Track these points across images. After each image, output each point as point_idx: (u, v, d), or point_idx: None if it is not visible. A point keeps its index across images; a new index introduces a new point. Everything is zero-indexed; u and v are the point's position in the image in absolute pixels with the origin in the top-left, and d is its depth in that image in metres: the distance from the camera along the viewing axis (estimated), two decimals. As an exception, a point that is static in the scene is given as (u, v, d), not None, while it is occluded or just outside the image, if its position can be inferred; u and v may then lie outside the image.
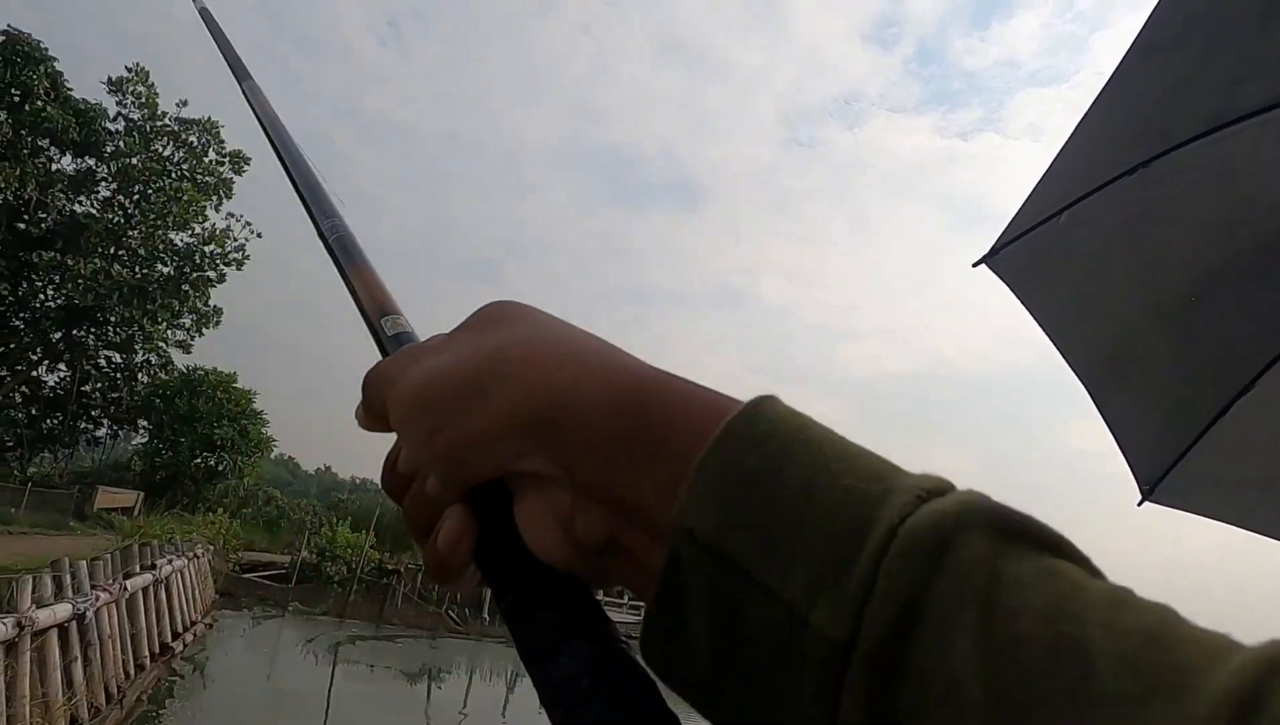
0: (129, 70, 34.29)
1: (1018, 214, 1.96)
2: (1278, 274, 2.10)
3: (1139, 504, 2.59)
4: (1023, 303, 2.10)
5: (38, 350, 33.83)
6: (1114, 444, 2.59)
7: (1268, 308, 2.17)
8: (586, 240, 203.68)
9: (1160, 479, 2.52)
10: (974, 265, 2.02)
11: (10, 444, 33.96)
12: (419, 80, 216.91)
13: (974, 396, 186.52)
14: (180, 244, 35.85)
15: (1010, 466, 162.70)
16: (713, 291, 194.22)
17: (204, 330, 36.51)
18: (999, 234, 2.01)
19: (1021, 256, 2.02)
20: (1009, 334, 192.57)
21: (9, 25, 30.78)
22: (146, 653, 11.90)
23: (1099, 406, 2.37)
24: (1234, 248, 2.08)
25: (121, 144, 33.83)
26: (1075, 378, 2.46)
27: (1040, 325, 2.16)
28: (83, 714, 8.52)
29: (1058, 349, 2.20)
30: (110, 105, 34.28)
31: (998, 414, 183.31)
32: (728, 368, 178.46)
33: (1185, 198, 2.04)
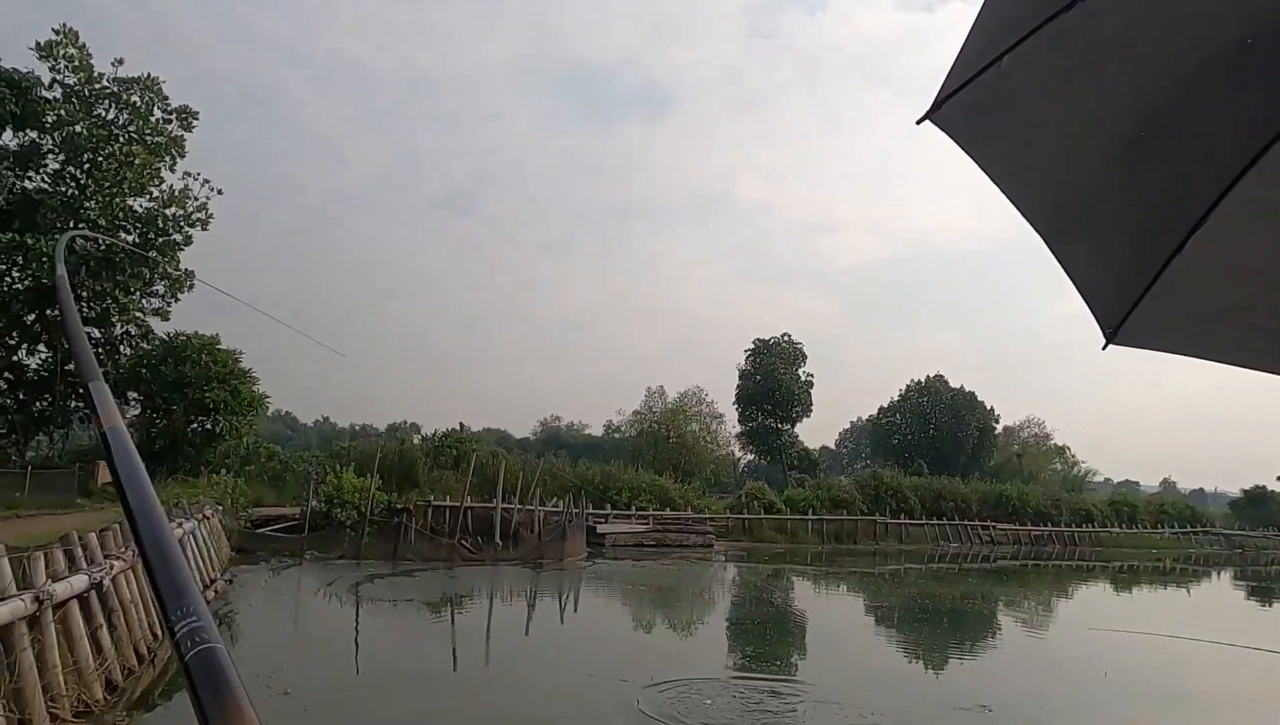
0: (56, 32, 32.78)
1: (956, 62, 1.91)
2: (1222, 102, 2.08)
3: (1103, 348, 2.62)
4: (971, 157, 2.07)
5: (13, 334, 33.40)
6: (1085, 306, 2.60)
7: (1216, 138, 2.15)
8: (559, 162, 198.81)
9: (1123, 321, 2.55)
10: (917, 122, 1.98)
11: (4, 431, 33.90)
12: (370, 14, 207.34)
13: (957, 275, 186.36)
14: (140, 210, 35.04)
15: (998, 340, 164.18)
16: (691, 201, 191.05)
17: (179, 295, 36.06)
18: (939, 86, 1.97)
19: (965, 108, 1.98)
20: (988, 208, 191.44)
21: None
22: (171, 613, 12.18)
23: (1057, 255, 2.37)
24: (1177, 79, 2.05)
25: (62, 112, 32.58)
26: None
27: (991, 178, 2.13)
28: (116, 677, 8.78)
29: (1010, 201, 2.18)
30: (43, 72, 32.93)
31: (982, 290, 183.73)
32: (714, 275, 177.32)
33: (1126, 30, 1.99)
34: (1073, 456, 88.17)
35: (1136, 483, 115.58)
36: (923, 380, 79.66)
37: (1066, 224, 2.27)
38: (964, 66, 1.96)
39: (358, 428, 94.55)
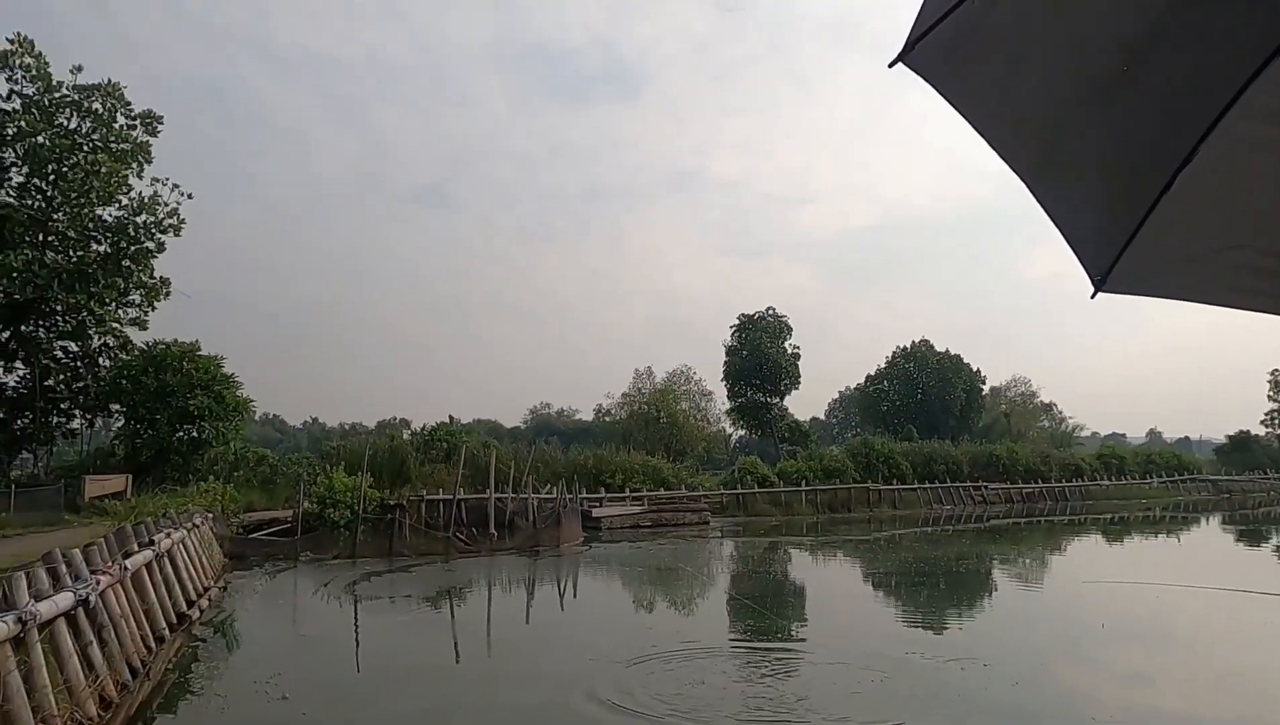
0: (11, 41, 32.05)
1: (927, 1, 1.80)
2: (1206, 34, 1.97)
3: (1092, 296, 2.53)
4: (946, 99, 1.96)
5: (-11, 352, 32.87)
6: (1066, 262, 2.51)
7: (1201, 71, 2.05)
8: (531, 146, 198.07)
9: (1111, 267, 2.46)
10: (890, 65, 1.87)
11: (-14, 451, 33.41)
12: (329, 2, 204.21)
13: (936, 239, 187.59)
14: (110, 219, 34.49)
15: (980, 303, 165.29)
16: (665, 178, 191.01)
17: (155, 303, 35.57)
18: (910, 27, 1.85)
19: (939, 47, 1.87)
20: (963, 170, 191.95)
21: None
22: (164, 624, 12.05)
23: (1041, 201, 2.28)
24: (1160, 9, 1.95)
25: (23, 124, 31.93)
26: (1024, 193, 2.35)
27: (969, 121, 2.03)
28: (110, 693, 8.65)
29: (990, 144, 2.08)
30: (0, 83, 32.22)
31: (962, 253, 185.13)
32: (692, 252, 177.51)
33: (1105, -46, 1.89)
34: (1060, 413, 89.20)
35: (1123, 435, 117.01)
36: (908, 346, 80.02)
37: (1050, 166, 2.18)
38: (935, 4, 1.85)
39: (347, 426, 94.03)
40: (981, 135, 2.03)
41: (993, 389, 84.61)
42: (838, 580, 23.27)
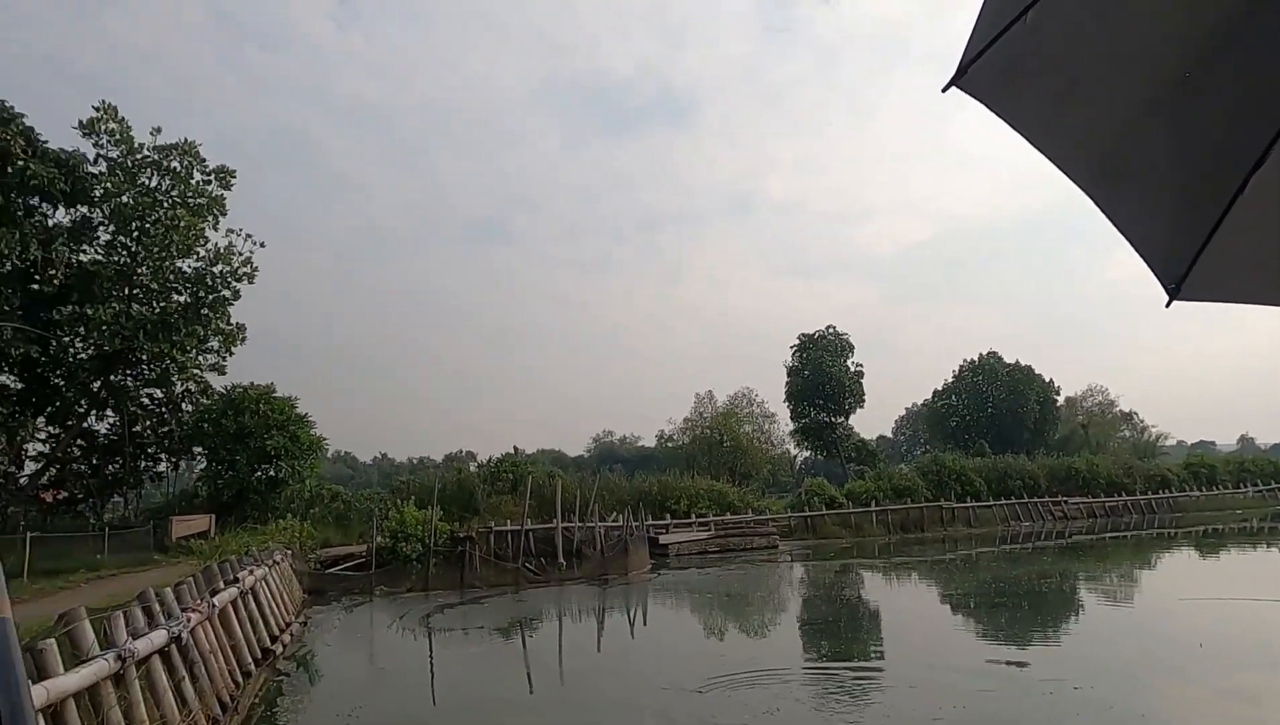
0: (97, 109, 34.06)
1: (978, 23, 1.81)
2: (1269, 32, 1.94)
3: (1167, 305, 2.48)
4: (1004, 119, 1.97)
5: (82, 402, 34.65)
6: (1138, 266, 2.46)
7: (1266, 70, 2.01)
8: (585, 179, 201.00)
9: (1186, 274, 2.41)
10: (943, 90, 1.89)
11: (81, 496, 35.15)
12: (385, 54, 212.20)
13: (999, 249, 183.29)
14: (189, 270, 36.13)
15: (1051, 311, 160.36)
16: (720, 203, 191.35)
17: (232, 349, 37.05)
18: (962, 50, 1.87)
19: (993, 69, 1.88)
20: (1022, 177, 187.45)
21: (-32, 91, 30.62)
22: (250, 659, 12.43)
23: (1108, 213, 2.25)
24: (1218, 11, 1.93)
25: (109, 185, 33.84)
26: (1089, 200, 2.33)
27: (1028, 139, 2.03)
28: (203, 726, 8.96)
29: (1051, 161, 2.07)
30: (87, 148, 34.24)
31: (1027, 262, 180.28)
32: (749, 274, 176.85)
33: (1159, -36, 1.88)
34: (1141, 421, 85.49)
35: (1212, 442, 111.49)
36: (976, 359, 78.03)
37: (1116, 178, 2.15)
38: (987, 26, 1.87)
39: (415, 461, 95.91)
40: (1042, 152, 2.02)
41: (1068, 400, 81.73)
42: (914, 603, 22.66)
